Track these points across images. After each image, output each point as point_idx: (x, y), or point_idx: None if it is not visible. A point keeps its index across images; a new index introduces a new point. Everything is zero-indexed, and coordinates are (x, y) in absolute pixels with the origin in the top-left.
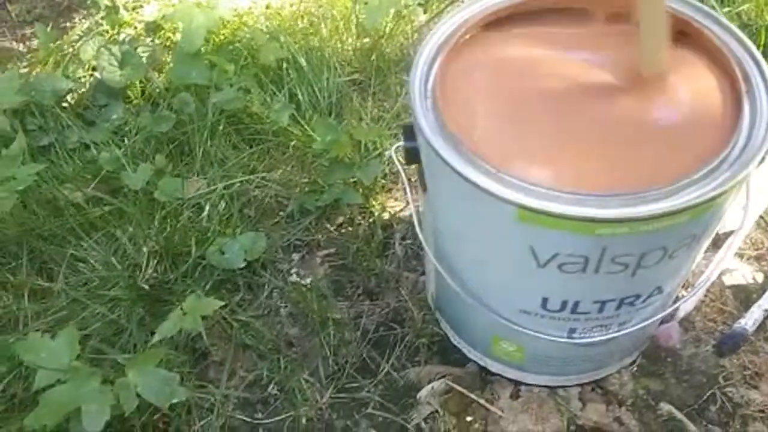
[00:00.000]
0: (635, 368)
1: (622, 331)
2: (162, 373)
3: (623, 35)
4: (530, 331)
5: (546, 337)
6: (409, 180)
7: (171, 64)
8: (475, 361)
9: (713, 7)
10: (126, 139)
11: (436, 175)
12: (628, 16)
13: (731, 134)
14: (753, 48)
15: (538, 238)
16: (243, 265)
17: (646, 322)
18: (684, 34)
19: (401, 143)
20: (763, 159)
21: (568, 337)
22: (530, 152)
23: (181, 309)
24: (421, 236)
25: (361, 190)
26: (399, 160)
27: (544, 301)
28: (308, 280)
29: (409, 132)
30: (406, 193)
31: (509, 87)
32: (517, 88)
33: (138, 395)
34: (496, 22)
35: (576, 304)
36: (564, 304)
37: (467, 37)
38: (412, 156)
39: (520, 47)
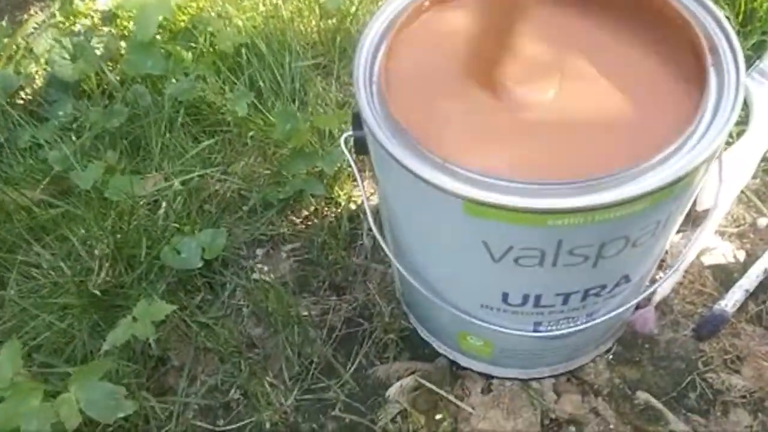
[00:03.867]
0: (611, 356)
1: (591, 322)
2: (106, 387)
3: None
4: (494, 326)
5: (511, 331)
6: (364, 171)
7: (126, 54)
8: (444, 356)
9: None
10: (77, 137)
11: (384, 167)
12: None
13: (695, 112)
14: (720, 16)
15: (489, 232)
16: (200, 264)
17: (616, 312)
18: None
19: (350, 132)
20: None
21: (534, 331)
22: (477, 141)
23: (132, 315)
24: (376, 232)
25: (325, 179)
26: (349, 151)
27: (505, 295)
28: (272, 277)
29: (357, 120)
30: (359, 186)
31: (456, 71)
32: (464, 72)
33: (81, 411)
34: None
35: (538, 297)
36: (525, 297)
37: (417, 14)
38: (362, 146)
39: (470, 23)
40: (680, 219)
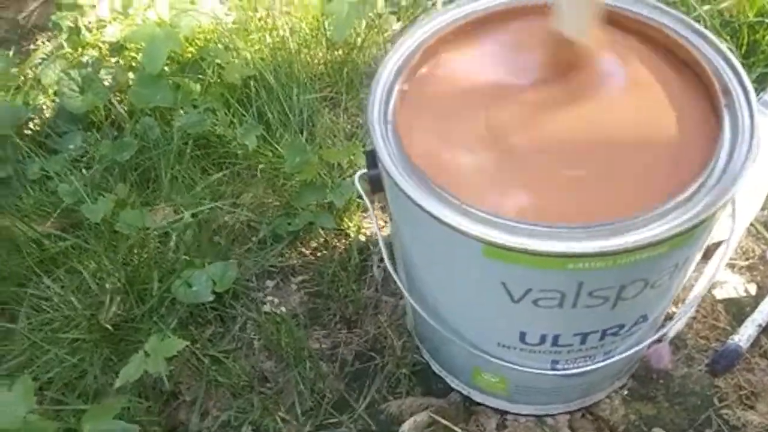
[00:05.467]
0: (626, 392)
1: (608, 360)
2: (121, 426)
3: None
4: (511, 365)
5: (528, 369)
6: (374, 202)
7: (135, 87)
8: (458, 391)
9: (692, 6)
10: (87, 169)
11: (399, 207)
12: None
13: (711, 153)
14: (731, 57)
15: (508, 274)
16: (211, 298)
17: (633, 350)
18: (655, 43)
19: (364, 171)
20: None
21: (552, 369)
22: (496, 182)
23: (144, 351)
24: (390, 268)
25: (335, 211)
26: (364, 189)
27: (522, 335)
28: (282, 310)
29: (372, 159)
30: (373, 223)
31: (472, 111)
32: (480, 113)
33: None
34: (462, 33)
35: (556, 337)
36: (543, 337)
37: (430, 53)
38: (377, 184)
39: (484, 62)
40: (697, 259)
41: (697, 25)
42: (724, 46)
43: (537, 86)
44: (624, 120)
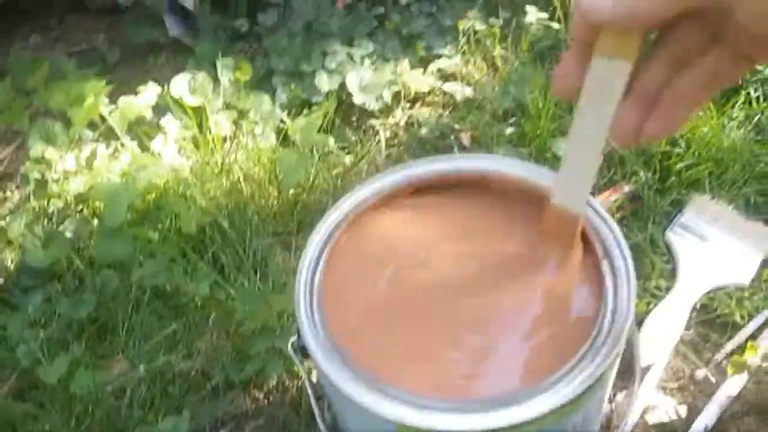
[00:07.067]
0: None
1: None
2: None
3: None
4: None
5: None
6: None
7: (96, 239)
8: None
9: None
10: (45, 328)
11: (323, 379)
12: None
13: (596, 315)
14: (613, 225)
15: None
16: None
17: None
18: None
19: (295, 338)
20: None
21: None
22: (407, 360)
23: None
24: (322, 426)
25: (285, 356)
26: (296, 355)
27: None
28: None
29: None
30: (308, 388)
31: (384, 284)
32: (391, 287)
33: None
34: (390, 200)
35: None
36: None
37: (354, 224)
38: (305, 353)
39: (400, 233)
40: (598, 415)
41: None
42: (606, 213)
43: (436, 267)
44: (522, 286)
